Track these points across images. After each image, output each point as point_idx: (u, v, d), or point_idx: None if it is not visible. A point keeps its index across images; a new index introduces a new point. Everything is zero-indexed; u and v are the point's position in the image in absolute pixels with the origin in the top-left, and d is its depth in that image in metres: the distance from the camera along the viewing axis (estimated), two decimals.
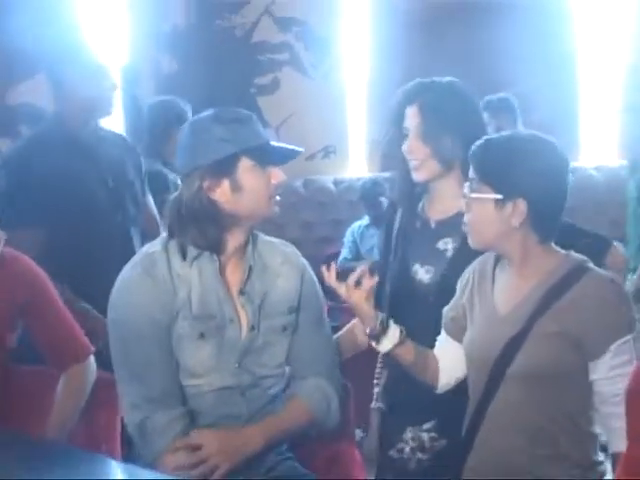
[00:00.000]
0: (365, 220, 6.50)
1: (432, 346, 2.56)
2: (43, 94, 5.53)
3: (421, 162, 2.66)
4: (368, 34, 7.07)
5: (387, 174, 6.79)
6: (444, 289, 2.58)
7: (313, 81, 6.95)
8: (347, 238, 6.53)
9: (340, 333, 2.93)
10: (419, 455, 2.70)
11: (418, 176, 2.69)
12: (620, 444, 2.26)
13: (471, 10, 6.98)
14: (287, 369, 2.67)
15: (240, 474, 2.55)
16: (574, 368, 2.29)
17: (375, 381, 2.85)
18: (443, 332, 2.53)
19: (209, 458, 2.42)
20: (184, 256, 2.50)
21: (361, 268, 2.45)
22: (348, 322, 2.93)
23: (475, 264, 2.50)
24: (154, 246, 2.55)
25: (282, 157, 2.55)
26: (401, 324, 2.50)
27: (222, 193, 2.46)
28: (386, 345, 2.47)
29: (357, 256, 6.46)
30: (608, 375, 2.27)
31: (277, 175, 2.52)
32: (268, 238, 2.66)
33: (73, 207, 3.43)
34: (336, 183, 7.20)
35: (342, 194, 7.19)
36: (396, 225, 2.82)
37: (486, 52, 6.85)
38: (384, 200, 6.34)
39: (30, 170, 3.45)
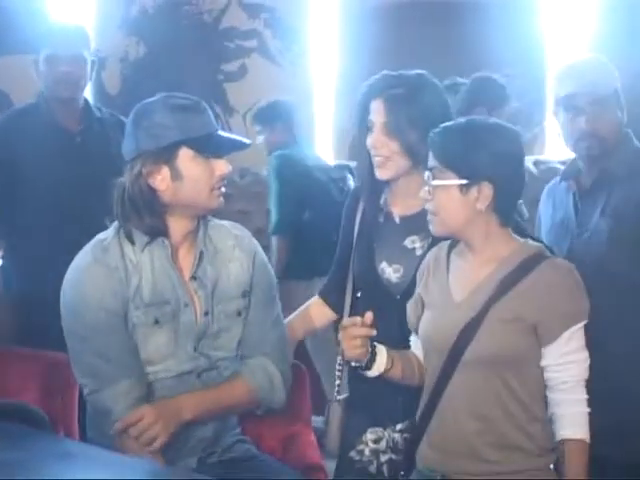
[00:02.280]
0: None
1: (400, 342, 2.55)
2: (5, 78, 5.58)
3: (386, 158, 2.62)
4: (337, 22, 7.07)
5: (354, 163, 6.81)
6: (414, 290, 2.55)
7: (281, 69, 6.93)
8: None
9: (292, 317, 2.93)
10: (392, 456, 2.67)
11: (382, 173, 2.64)
12: (567, 431, 2.30)
13: (440, 4, 6.99)
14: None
15: (196, 455, 2.58)
16: (529, 355, 2.31)
17: (337, 372, 2.81)
18: (413, 332, 2.53)
19: (149, 428, 2.42)
20: (132, 241, 2.49)
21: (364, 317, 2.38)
22: None
23: (430, 253, 2.51)
24: (106, 233, 2.54)
25: (224, 148, 2.51)
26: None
27: (162, 180, 2.44)
28: (375, 371, 2.44)
29: None
30: (558, 362, 2.30)
31: (222, 167, 2.49)
32: (219, 222, 2.65)
33: (41, 187, 3.44)
34: None
35: None
36: (358, 216, 2.79)
37: (455, 45, 6.86)
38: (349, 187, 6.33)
39: (3, 144, 3.48)
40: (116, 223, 2.54)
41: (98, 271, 2.47)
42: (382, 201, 2.74)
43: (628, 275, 2.78)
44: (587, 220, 2.85)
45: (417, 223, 2.60)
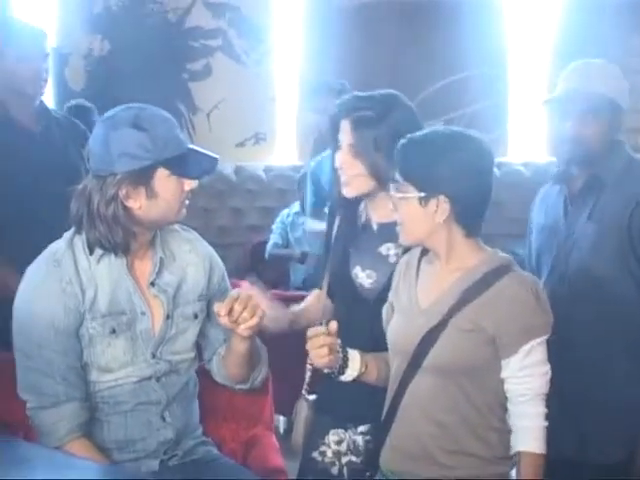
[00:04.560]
0: (295, 207, 6.49)
1: (372, 345, 2.54)
2: None
3: (351, 177, 2.62)
4: (301, 22, 7.07)
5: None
6: (386, 295, 2.55)
7: (245, 68, 6.93)
8: (277, 225, 6.52)
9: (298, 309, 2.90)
10: (352, 458, 2.68)
11: (347, 191, 2.65)
12: (523, 443, 2.32)
13: (406, 4, 7.02)
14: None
15: (158, 457, 2.58)
16: (487, 365, 2.32)
17: (307, 372, 2.76)
18: None
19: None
20: (91, 251, 2.48)
21: (324, 328, 2.39)
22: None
23: (402, 259, 2.53)
24: (58, 244, 2.52)
25: (198, 170, 2.52)
26: (340, 325, 2.47)
27: (136, 200, 2.44)
28: (348, 377, 2.46)
29: (287, 243, 6.47)
30: (518, 374, 2.31)
31: (191, 182, 2.50)
32: (170, 227, 2.65)
33: (3, 189, 3.37)
34: (267, 170, 7.19)
35: (272, 182, 7.18)
36: (336, 223, 2.80)
37: (419, 46, 6.89)
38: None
39: None
40: (69, 233, 2.52)
41: (51, 287, 2.45)
42: (362, 207, 2.74)
43: (609, 281, 2.82)
44: (574, 224, 2.89)
45: (394, 230, 2.55)
